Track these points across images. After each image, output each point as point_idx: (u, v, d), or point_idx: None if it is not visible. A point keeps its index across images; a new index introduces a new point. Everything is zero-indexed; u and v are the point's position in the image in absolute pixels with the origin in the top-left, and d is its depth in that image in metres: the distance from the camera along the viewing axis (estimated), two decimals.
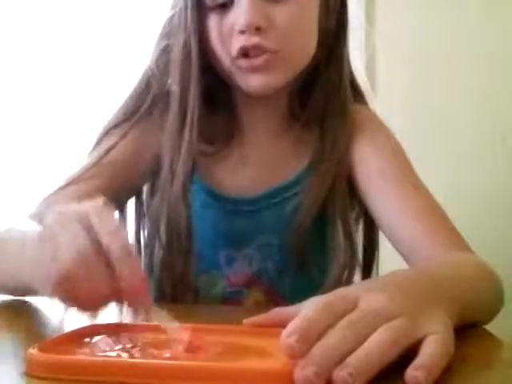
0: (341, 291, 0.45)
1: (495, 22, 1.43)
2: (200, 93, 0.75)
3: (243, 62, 0.72)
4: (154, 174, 0.80)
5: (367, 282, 0.58)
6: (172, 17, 0.78)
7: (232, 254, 0.78)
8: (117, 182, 0.77)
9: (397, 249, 0.73)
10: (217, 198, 0.79)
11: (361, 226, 0.85)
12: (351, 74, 0.83)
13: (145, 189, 0.84)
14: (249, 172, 0.80)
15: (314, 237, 0.77)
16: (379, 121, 0.83)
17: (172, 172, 0.75)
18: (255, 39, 0.71)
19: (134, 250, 0.47)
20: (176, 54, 0.76)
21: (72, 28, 1.52)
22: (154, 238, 0.77)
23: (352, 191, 0.79)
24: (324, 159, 0.78)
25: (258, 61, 0.72)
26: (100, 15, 1.52)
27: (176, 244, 0.74)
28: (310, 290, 0.74)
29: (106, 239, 0.46)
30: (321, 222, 0.78)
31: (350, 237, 0.77)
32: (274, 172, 0.80)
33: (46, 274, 0.46)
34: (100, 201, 0.50)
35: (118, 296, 0.45)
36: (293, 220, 0.76)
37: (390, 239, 0.75)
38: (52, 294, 0.47)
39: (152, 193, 0.82)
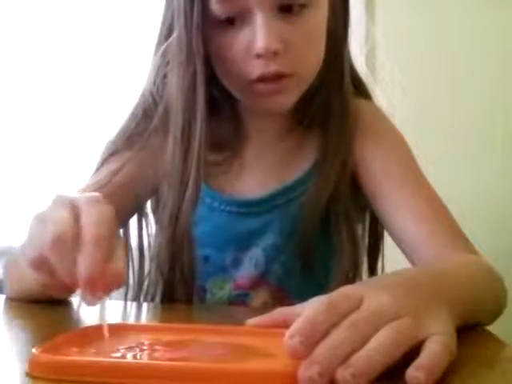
0: (344, 290, 0.45)
1: (495, 20, 1.43)
2: (206, 122, 0.72)
3: (261, 87, 0.71)
4: (154, 194, 0.80)
5: (371, 280, 0.58)
6: (171, 41, 0.73)
7: (238, 256, 0.78)
8: (116, 206, 0.77)
9: (401, 248, 0.73)
10: (222, 201, 0.78)
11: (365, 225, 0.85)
12: (352, 69, 0.82)
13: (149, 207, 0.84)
14: (253, 175, 0.80)
15: (319, 237, 0.77)
16: (383, 116, 0.82)
17: (177, 211, 0.72)
18: (274, 66, 0.69)
19: (110, 245, 0.47)
20: (177, 74, 0.72)
21: (75, 33, 1.52)
22: (156, 269, 0.76)
23: (357, 190, 0.79)
24: (327, 160, 0.77)
25: (276, 86, 0.71)
26: (101, 19, 1.52)
27: (179, 279, 0.73)
28: (318, 288, 0.74)
29: (84, 228, 0.47)
30: (325, 223, 0.77)
31: (353, 239, 0.77)
32: (279, 174, 0.79)
33: (27, 252, 0.49)
34: (96, 194, 0.51)
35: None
36: (297, 221, 0.76)
37: (394, 239, 0.75)
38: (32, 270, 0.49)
39: (155, 214, 0.82)
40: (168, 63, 0.75)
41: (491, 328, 0.57)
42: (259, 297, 0.78)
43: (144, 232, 0.85)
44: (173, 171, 0.73)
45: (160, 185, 0.77)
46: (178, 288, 0.73)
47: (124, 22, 1.51)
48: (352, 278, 0.76)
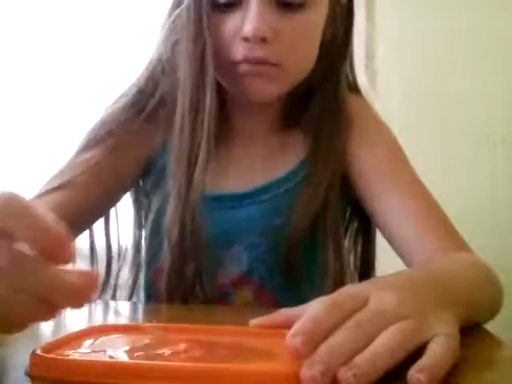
0: (350, 289, 0.45)
1: (495, 21, 1.43)
2: (216, 92, 0.71)
3: (245, 66, 0.71)
4: (145, 175, 0.80)
5: (376, 280, 0.57)
6: (180, 14, 0.73)
7: (220, 254, 0.76)
8: (105, 187, 0.76)
9: (394, 248, 0.73)
10: (204, 196, 0.75)
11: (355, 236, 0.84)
12: (351, 70, 0.82)
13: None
14: (237, 171, 0.79)
15: (305, 247, 0.76)
16: (374, 114, 0.81)
17: (188, 181, 0.72)
18: (259, 52, 0.69)
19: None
20: (186, 45, 0.72)
21: (72, 27, 1.52)
22: (161, 244, 0.74)
23: (347, 191, 0.78)
24: (318, 167, 0.76)
25: (260, 69, 0.71)
26: (100, 14, 1.52)
27: (189, 251, 0.72)
28: (301, 288, 0.73)
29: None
30: (312, 234, 0.76)
31: (339, 255, 0.76)
32: (264, 170, 0.79)
33: None
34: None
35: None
36: (282, 220, 0.75)
37: (387, 239, 0.74)
38: None
39: (149, 195, 0.81)
40: (177, 34, 0.75)
41: (489, 327, 0.57)
42: (241, 296, 0.77)
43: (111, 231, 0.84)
44: (181, 143, 0.73)
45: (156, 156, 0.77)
46: (187, 261, 0.72)
47: (119, 21, 1.51)
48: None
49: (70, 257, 0.39)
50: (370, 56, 1.31)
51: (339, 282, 0.75)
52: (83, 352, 0.43)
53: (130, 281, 0.84)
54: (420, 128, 1.37)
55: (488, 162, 1.42)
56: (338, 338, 0.38)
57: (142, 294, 0.83)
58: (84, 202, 0.74)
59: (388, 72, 1.40)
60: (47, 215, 0.39)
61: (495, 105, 1.43)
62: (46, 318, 0.41)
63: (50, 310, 0.40)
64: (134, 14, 1.49)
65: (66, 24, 1.53)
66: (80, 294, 0.40)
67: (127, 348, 0.44)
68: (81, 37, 1.52)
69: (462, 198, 1.35)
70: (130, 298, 0.83)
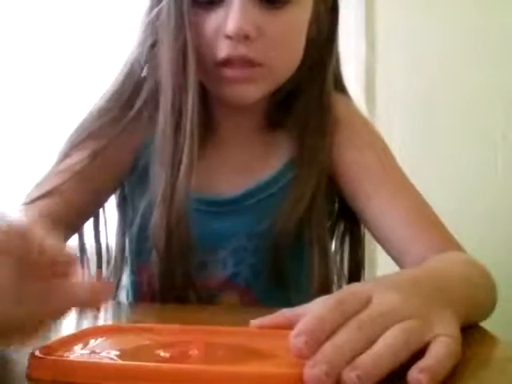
0: (353, 287, 0.45)
1: (494, 21, 1.44)
2: (198, 93, 0.70)
3: (228, 72, 0.69)
4: (129, 174, 0.79)
5: (378, 279, 0.57)
6: (160, 12, 0.71)
7: (205, 258, 0.75)
8: (96, 186, 0.76)
9: (386, 250, 0.73)
10: (190, 199, 0.73)
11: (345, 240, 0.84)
12: (337, 68, 0.81)
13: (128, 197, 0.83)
14: (223, 174, 0.78)
15: (291, 251, 0.75)
16: (360, 114, 0.80)
17: (171, 187, 0.70)
18: (242, 49, 0.68)
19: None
20: (167, 44, 0.71)
21: (69, 28, 1.52)
22: (150, 250, 0.73)
23: (333, 193, 0.78)
24: (303, 166, 0.76)
25: (243, 73, 0.69)
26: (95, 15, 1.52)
27: (177, 255, 0.71)
28: (287, 291, 0.73)
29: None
30: (298, 238, 0.75)
31: (325, 254, 0.75)
32: (249, 173, 0.78)
33: None
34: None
35: None
36: (269, 223, 0.74)
37: (379, 242, 0.74)
38: None
39: (131, 195, 0.81)
40: (156, 33, 0.73)
41: (489, 327, 0.57)
42: (227, 299, 0.76)
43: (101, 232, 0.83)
44: (164, 146, 0.71)
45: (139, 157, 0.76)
46: (177, 266, 0.71)
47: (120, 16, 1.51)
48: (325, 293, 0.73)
49: (70, 268, 0.40)
50: (369, 57, 1.31)
51: (325, 284, 0.75)
52: (82, 353, 0.43)
53: (115, 281, 0.83)
54: (421, 126, 1.37)
55: (488, 159, 1.42)
56: (341, 338, 0.37)
57: (123, 294, 0.83)
58: (71, 207, 0.74)
59: (388, 71, 1.40)
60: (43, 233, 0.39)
61: (496, 103, 1.43)
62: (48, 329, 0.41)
63: (54, 318, 0.40)
64: (120, 15, 1.49)
65: (58, 29, 1.52)
66: (90, 302, 0.41)
67: (126, 349, 0.43)
68: (70, 40, 1.52)
69: (463, 196, 1.35)
70: (113, 298, 0.82)
